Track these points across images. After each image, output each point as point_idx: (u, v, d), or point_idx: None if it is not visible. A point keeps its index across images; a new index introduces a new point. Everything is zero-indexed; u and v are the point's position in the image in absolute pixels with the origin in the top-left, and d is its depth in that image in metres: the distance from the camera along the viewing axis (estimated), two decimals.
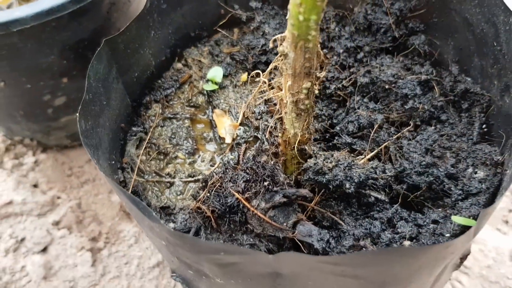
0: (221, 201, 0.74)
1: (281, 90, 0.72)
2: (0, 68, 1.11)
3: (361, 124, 0.87)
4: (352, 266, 0.60)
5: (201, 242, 0.68)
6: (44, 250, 1.24)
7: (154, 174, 0.93)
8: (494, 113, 0.88)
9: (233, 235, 0.75)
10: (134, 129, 0.99)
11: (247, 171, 0.76)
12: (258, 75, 0.78)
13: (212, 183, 0.76)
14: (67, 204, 1.32)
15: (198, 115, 1.02)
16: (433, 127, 0.88)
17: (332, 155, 0.79)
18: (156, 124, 1.00)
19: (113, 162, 0.91)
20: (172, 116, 1.01)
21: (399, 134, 0.86)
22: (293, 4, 0.56)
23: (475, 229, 0.62)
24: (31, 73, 1.14)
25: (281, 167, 0.80)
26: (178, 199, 0.89)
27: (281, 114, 0.76)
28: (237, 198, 0.73)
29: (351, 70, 0.97)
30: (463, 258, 0.82)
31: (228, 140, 0.95)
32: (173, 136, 0.98)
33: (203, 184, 0.79)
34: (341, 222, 0.76)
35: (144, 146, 0.96)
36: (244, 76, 1.05)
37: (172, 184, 0.91)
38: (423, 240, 0.72)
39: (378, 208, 0.77)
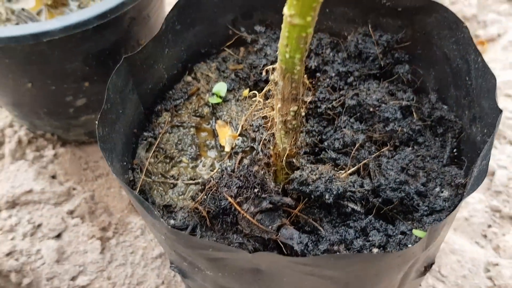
0: (216, 203, 0.77)
1: (273, 110, 0.75)
2: (29, 71, 1.16)
3: (345, 142, 0.90)
4: (318, 267, 0.64)
5: (193, 238, 0.71)
6: (58, 236, 1.28)
7: (160, 176, 0.95)
8: (464, 140, 0.91)
9: (225, 234, 0.78)
10: (145, 134, 1.01)
11: (241, 178, 0.78)
12: (255, 95, 0.78)
13: (209, 187, 0.79)
14: (82, 195, 1.36)
15: (203, 124, 1.04)
16: (410, 148, 0.90)
17: (317, 168, 0.80)
18: (165, 131, 1.02)
19: (125, 163, 0.93)
20: (179, 124, 1.03)
21: (379, 152, 0.88)
22: (281, 44, 0.60)
23: (427, 242, 0.66)
24: (56, 77, 1.19)
25: (272, 176, 0.83)
26: (180, 199, 0.91)
27: (273, 130, 0.78)
28: (230, 202, 0.76)
29: (341, 92, 0.99)
30: (428, 266, 0.84)
31: (228, 148, 0.98)
32: (179, 142, 1.00)
33: (202, 187, 0.82)
34: (320, 228, 0.78)
35: (153, 150, 0.98)
36: (245, 92, 1.08)
37: (175, 185, 0.94)
38: (389, 249, 0.75)
39: (354, 218, 0.79)
